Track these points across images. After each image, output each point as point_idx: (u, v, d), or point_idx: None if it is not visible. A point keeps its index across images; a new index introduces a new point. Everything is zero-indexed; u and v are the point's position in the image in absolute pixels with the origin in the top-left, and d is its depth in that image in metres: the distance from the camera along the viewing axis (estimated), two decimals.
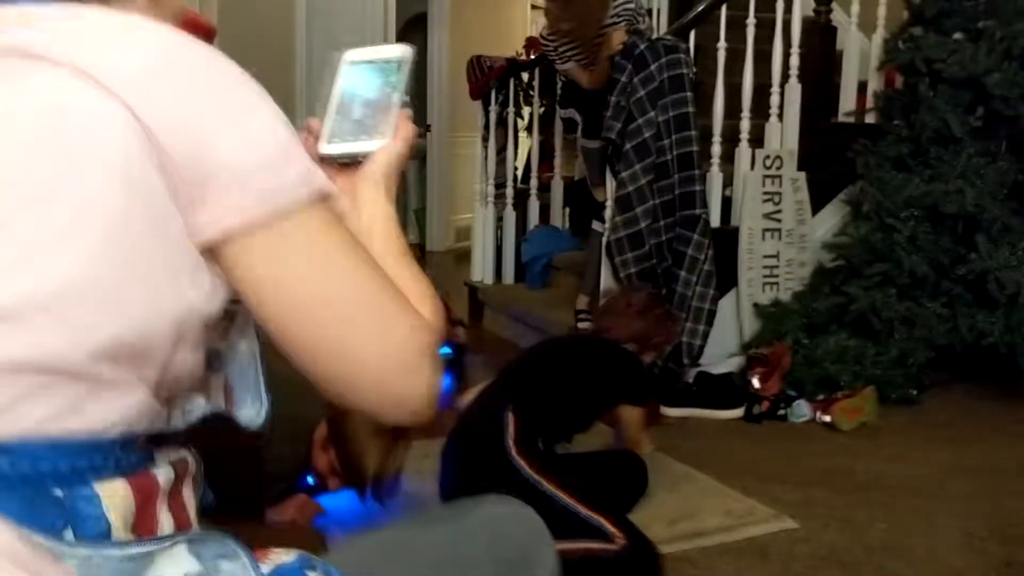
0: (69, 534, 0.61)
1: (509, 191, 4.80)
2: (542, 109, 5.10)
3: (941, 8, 3.54)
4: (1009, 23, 3.36)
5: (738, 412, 3.21)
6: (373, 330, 0.71)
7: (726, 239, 3.58)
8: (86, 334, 0.61)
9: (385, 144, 0.82)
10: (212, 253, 0.66)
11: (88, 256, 0.60)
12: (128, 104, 0.62)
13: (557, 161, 4.78)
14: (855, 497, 2.56)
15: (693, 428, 3.12)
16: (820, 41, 3.86)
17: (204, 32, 1.69)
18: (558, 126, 4.64)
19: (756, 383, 3.23)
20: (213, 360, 0.75)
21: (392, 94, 0.82)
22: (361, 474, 2.05)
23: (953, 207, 3.31)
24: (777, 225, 3.65)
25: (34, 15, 0.64)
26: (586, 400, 2.36)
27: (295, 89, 5.52)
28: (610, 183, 3.45)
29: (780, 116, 3.76)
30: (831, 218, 3.78)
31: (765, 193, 3.65)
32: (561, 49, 3.67)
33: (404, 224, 6.95)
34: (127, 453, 0.65)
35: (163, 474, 0.69)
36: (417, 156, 7.22)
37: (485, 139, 4.76)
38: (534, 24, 7.44)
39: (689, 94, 3.31)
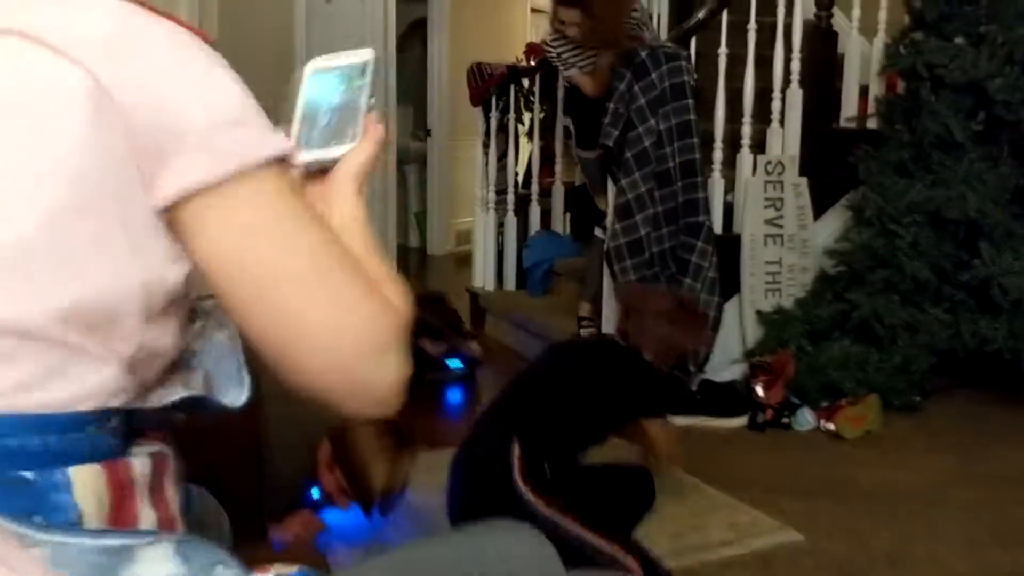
0: (39, 519, 0.60)
1: (510, 197, 4.80)
2: (543, 114, 5.10)
3: (942, 12, 3.53)
4: (1010, 28, 3.35)
5: (742, 421, 3.20)
6: (333, 306, 0.68)
7: (728, 245, 3.57)
8: (48, 295, 0.61)
9: (355, 146, 0.80)
10: (172, 221, 0.65)
11: (49, 216, 0.60)
12: (86, 67, 0.61)
13: (558, 167, 4.77)
14: (859, 506, 2.55)
15: (697, 437, 3.11)
16: (821, 46, 3.86)
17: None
18: (559, 131, 4.64)
19: (760, 391, 3.23)
20: (191, 359, 0.75)
21: (358, 99, 0.81)
22: (369, 491, 2.05)
23: (955, 213, 3.30)
24: (779, 231, 3.65)
25: None
26: (595, 417, 2.25)
27: (295, 100, 5.51)
28: (610, 191, 3.44)
29: (782, 121, 3.75)
30: (833, 224, 3.77)
31: (767, 199, 3.65)
32: (564, 55, 3.66)
33: (405, 228, 6.96)
34: (102, 435, 0.64)
35: (140, 464, 0.67)
36: (417, 160, 7.22)
37: (486, 145, 4.76)
38: (534, 29, 7.43)
39: (690, 101, 3.31)
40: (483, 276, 4.81)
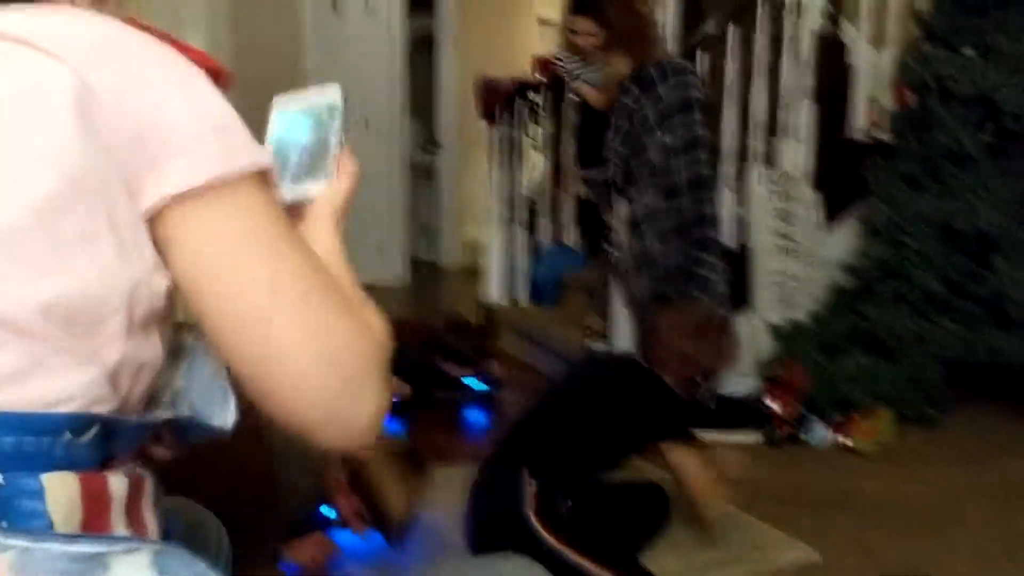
0: (4, 524, 0.57)
1: (520, 211, 4.80)
2: (552, 128, 5.10)
3: (951, 24, 3.53)
4: (1019, 39, 3.35)
5: (756, 435, 3.19)
6: (314, 329, 0.66)
7: (739, 258, 3.57)
8: (31, 286, 0.60)
9: (329, 183, 0.79)
10: (155, 229, 0.65)
11: (35, 207, 0.60)
12: (72, 67, 0.62)
13: (568, 179, 4.77)
14: (873, 521, 2.54)
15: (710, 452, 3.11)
16: (830, 58, 3.86)
17: (218, 75, 1.70)
18: (568, 144, 4.64)
19: (773, 405, 3.22)
20: (177, 396, 0.73)
21: (328, 137, 0.80)
22: (386, 517, 2.06)
23: (965, 224, 3.29)
24: (790, 244, 3.65)
25: None
26: (610, 445, 2.17)
27: None
28: (619, 205, 3.45)
29: (791, 134, 3.75)
30: (844, 236, 3.77)
31: (777, 212, 3.65)
32: (573, 68, 3.67)
33: (415, 240, 6.95)
34: (79, 445, 0.62)
35: (117, 481, 0.65)
36: (426, 172, 7.24)
37: (495, 159, 4.77)
38: (542, 41, 7.44)
39: (698, 116, 3.31)
40: (494, 290, 4.82)
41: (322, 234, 0.77)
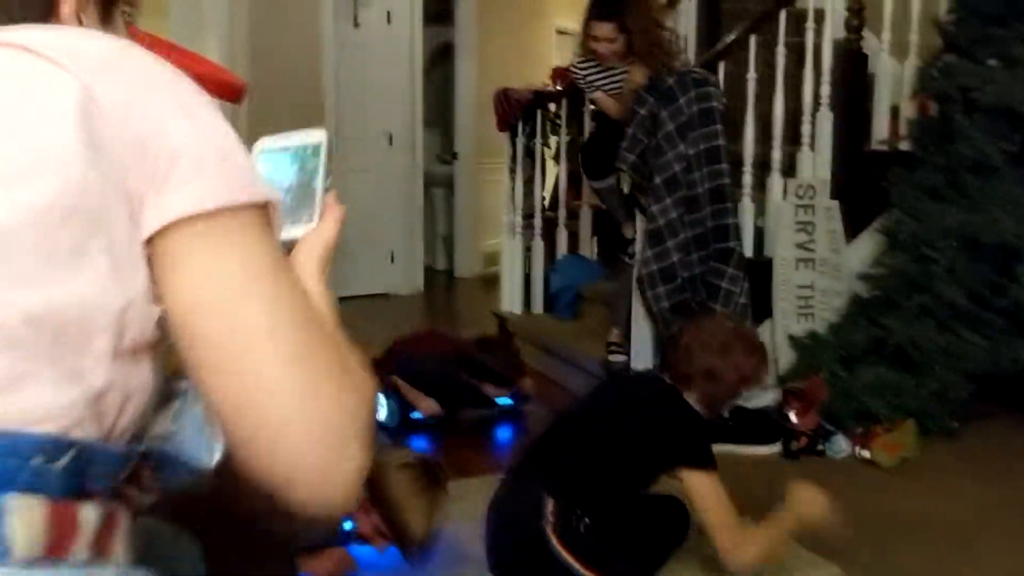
0: None
1: (537, 221, 4.79)
2: (569, 137, 5.10)
3: (975, 35, 3.50)
4: None
5: (775, 448, 3.16)
6: (303, 377, 0.64)
7: (759, 269, 3.54)
8: (19, 292, 0.58)
9: (313, 227, 0.76)
10: (152, 255, 0.63)
11: (32, 212, 0.58)
12: (81, 79, 0.61)
13: (585, 190, 4.76)
14: (897, 537, 2.50)
15: (729, 465, 3.04)
16: (852, 67, 3.83)
17: (234, 90, 1.70)
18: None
19: (793, 417, 3.18)
20: (162, 440, 0.71)
21: (313, 179, 0.78)
22: (408, 535, 2.04)
23: (991, 237, 3.25)
24: (811, 255, 3.61)
25: None
26: (631, 468, 2.09)
27: (324, 124, 5.55)
28: (639, 218, 3.43)
29: (812, 145, 3.73)
30: (866, 247, 3.73)
31: (798, 223, 3.62)
32: (590, 77, 3.66)
33: (432, 250, 6.97)
34: (50, 470, 0.58)
35: (87, 513, 0.60)
36: (443, 183, 7.24)
37: (513, 170, 4.77)
38: (560, 51, 7.45)
39: (719, 127, 3.30)
40: (510, 300, 4.80)
41: (307, 280, 0.73)
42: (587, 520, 2.01)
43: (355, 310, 5.82)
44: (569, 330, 4.38)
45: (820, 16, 3.81)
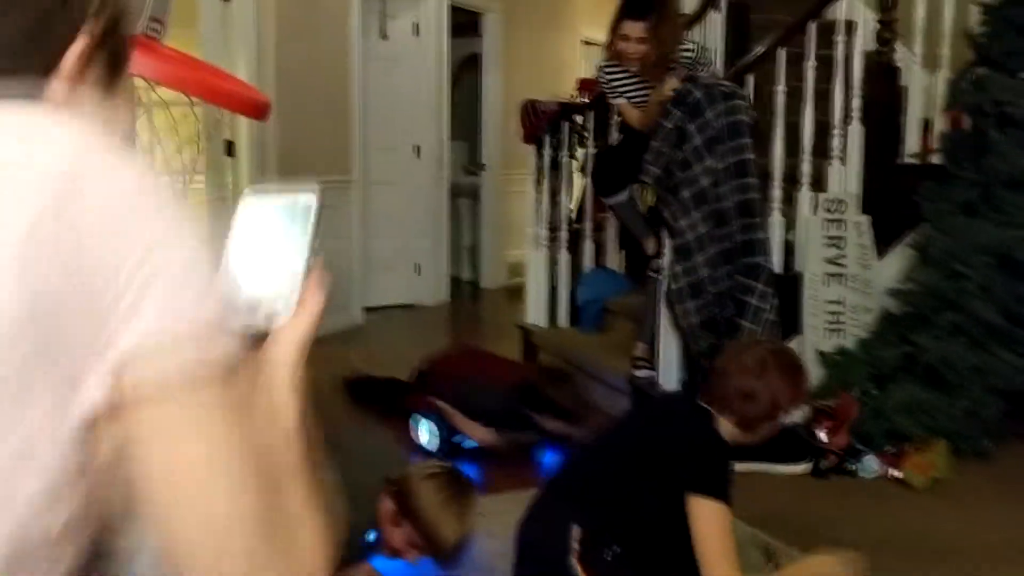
0: None
1: (563, 234, 4.77)
2: (595, 149, 5.07)
3: (1008, 47, 3.44)
4: None
5: (805, 467, 3.11)
6: (247, 556, 0.59)
7: (788, 284, 3.50)
8: None
9: (286, 319, 0.67)
10: (107, 389, 0.57)
11: None
12: (46, 192, 0.54)
13: None
14: (929, 562, 2.46)
15: (757, 484, 3.03)
16: (882, 80, 3.79)
17: (259, 107, 1.70)
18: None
19: (823, 436, 3.14)
20: (123, 556, 0.67)
21: (297, 250, 0.68)
22: (442, 543, 2.04)
23: None
24: (841, 270, 3.57)
25: None
26: (656, 487, 2.01)
27: (351, 135, 5.58)
28: (664, 233, 3.40)
29: (842, 158, 3.68)
30: (897, 263, 3.68)
31: (828, 237, 3.57)
32: (615, 83, 3.64)
33: (458, 261, 6.99)
34: None
35: None
36: (469, 194, 7.25)
37: (538, 182, 4.75)
38: (585, 62, 7.44)
39: (748, 140, 3.26)
40: (535, 313, 4.78)
41: (274, 390, 0.66)
42: (616, 548, 1.97)
43: (381, 320, 5.84)
44: (595, 344, 4.35)
45: (850, 28, 3.77)
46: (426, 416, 3.39)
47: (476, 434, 3.35)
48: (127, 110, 0.74)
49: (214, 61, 4.44)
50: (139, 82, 1.66)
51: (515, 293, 5.84)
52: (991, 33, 3.53)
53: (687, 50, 3.49)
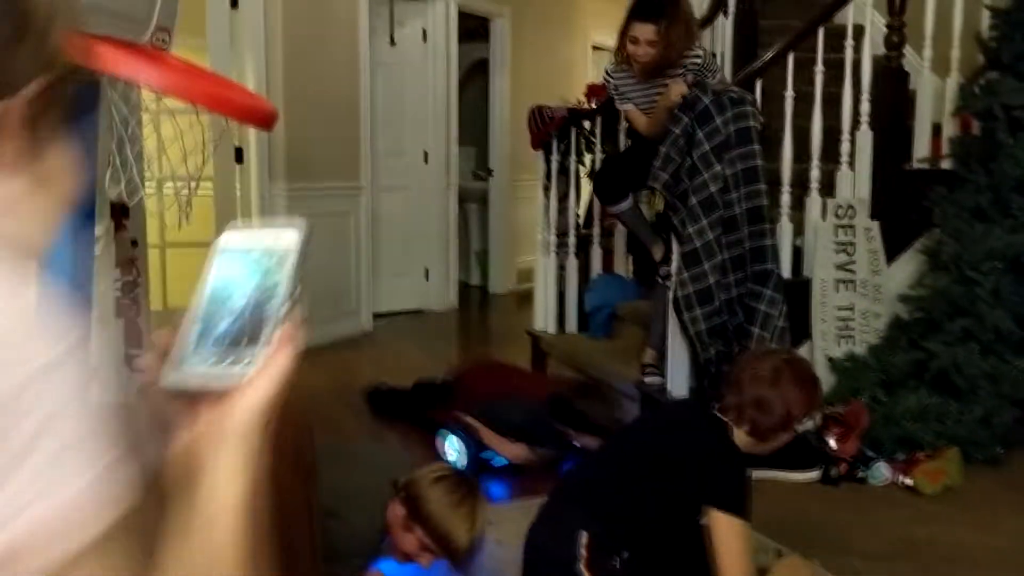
0: None
1: (571, 240, 4.77)
2: (604, 155, 5.07)
3: (1018, 51, 3.42)
4: None
5: (814, 474, 3.09)
6: None
7: (797, 290, 3.49)
8: None
9: (251, 374, 0.60)
10: None
11: None
12: None
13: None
14: (940, 570, 2.43)
15: (767, 491, 3.00)
16: (892, 85, 3.76)
17: (265, 116, 1.70)
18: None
19: (833, 443, 3.12)
20: None
21: (271, 299, 0.62)
22: (455, 545, 2.04)
23: None
24: (851, 276, 3.55)
25: None
26: (666, 493, 2.01)
27: (360, 141, 5.58)
28: (673, 239, 3.39)
29: (851, 163, 3.67)
30: (907, 268, 3.66)
31: (837, 243, 3.56)
32: (623, 88, 3.63)
33: (467, 266, 7.00)
34: None
35: None
36: (478, 199, 7.25)
37: (547, 188, 4.74)
38: (594, 68, 7.43)
39: (757, 147, 3.25)
40: (544, 319, 4.77)
41: (227, 463, 0.58)
42: (625, 554, 1.97)
43: (390, 326, 5.85)
44: (604, 350, 4.34)
45: (859, 33, 3.76)
46: (454, 431, 3.30)
47: (507, 450, 3.28)
48: (60, 182, 0.62)
49: (222, 68, 4.45)
50: (146, 93, 1.67)
51: (524, 298, 5.83)
52: (1001, 37, 3.52)
53: (696, 56, 3.47)
